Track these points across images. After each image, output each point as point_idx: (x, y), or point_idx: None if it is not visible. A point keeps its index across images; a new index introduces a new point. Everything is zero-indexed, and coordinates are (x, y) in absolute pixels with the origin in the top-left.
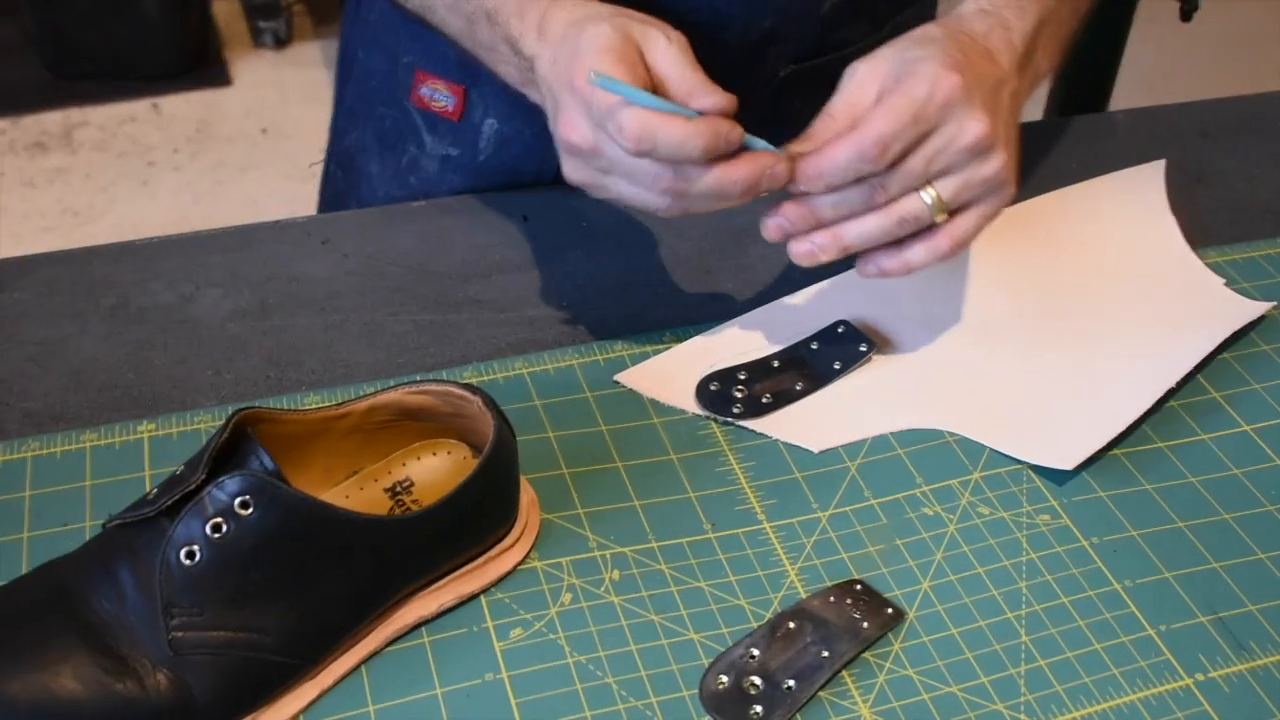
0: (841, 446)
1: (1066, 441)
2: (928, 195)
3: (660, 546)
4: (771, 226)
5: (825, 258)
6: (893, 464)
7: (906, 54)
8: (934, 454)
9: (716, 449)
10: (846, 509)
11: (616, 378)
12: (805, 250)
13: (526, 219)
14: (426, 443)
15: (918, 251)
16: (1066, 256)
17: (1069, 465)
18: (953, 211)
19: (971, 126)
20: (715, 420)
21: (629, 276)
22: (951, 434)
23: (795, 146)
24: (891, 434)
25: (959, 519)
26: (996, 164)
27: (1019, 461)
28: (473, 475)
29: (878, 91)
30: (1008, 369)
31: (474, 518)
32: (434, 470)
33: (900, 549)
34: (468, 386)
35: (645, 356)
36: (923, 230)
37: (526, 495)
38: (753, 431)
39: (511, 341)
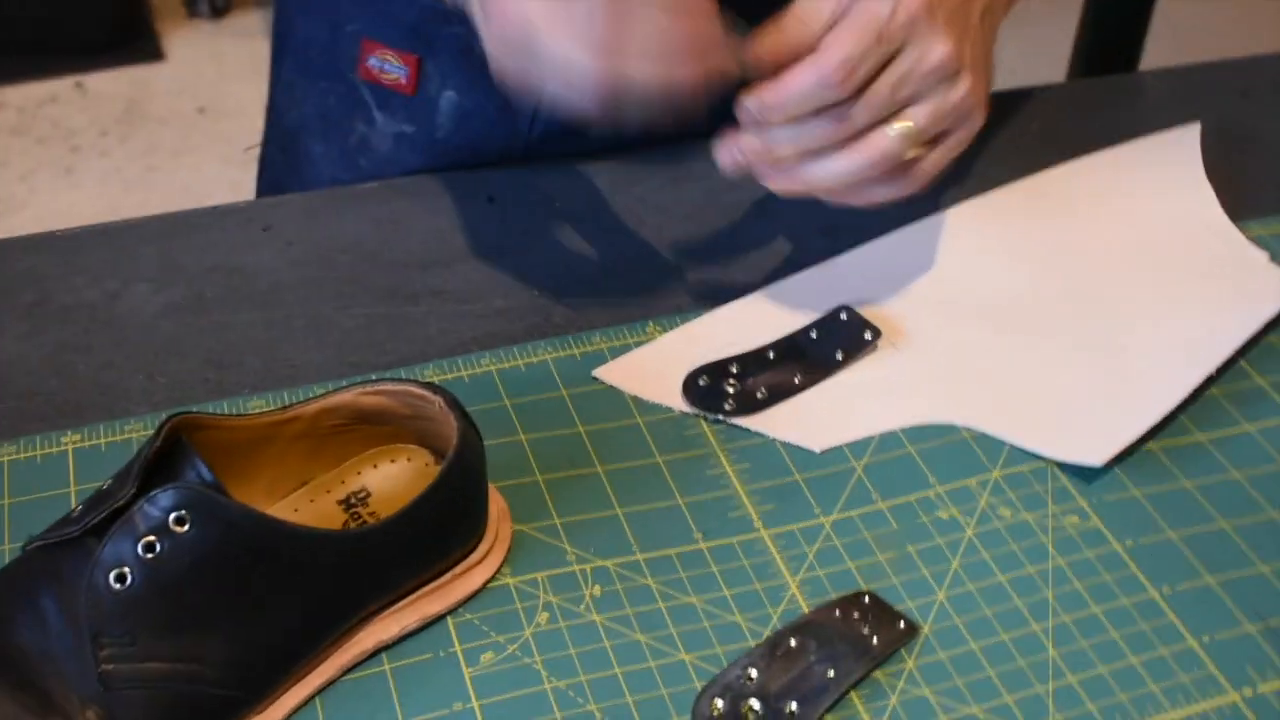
0: (846, 445)
1: (1095, 435)
2: (898, 128)
3: (646, 559)
4: (724, 157)
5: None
6: (903, 463)
7: None
8: (948, 451)
9: (706, 450)
10: (852, 513)
11: (595, 373)
12: (779, 187)
13: (492, 200)
14: (383, 449)
15: (882, 189)
16: (1093, 230)
17: (1098, 461)
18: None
19: (937, 47)
20: (705, 419)
21: (607, 262)
22: (968, 429)
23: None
24: (901, 430)
25: (977, 522)
26: (964, 88)
27: (1043, 458)
28: (435, 484)
29: (832, 10)
30: (1030, 356)
31: (438, 531)
32: (392, 479)
33: (912, 556)
34: (428, 385)
35: (626, 349)
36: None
37: (496, 505)
38: (747, 430)
39: (477, 335)
